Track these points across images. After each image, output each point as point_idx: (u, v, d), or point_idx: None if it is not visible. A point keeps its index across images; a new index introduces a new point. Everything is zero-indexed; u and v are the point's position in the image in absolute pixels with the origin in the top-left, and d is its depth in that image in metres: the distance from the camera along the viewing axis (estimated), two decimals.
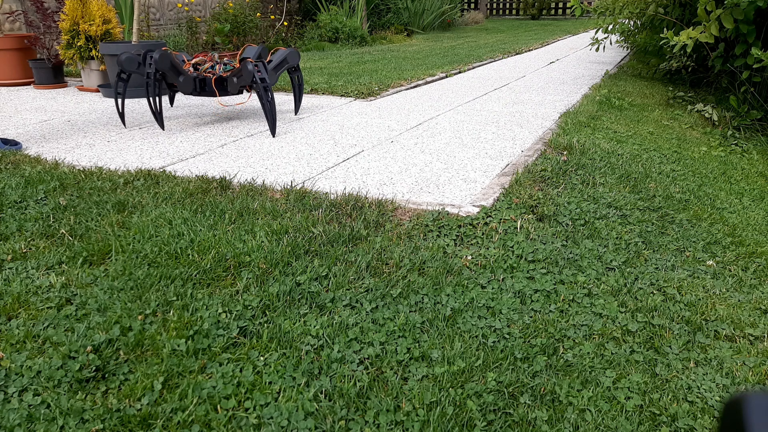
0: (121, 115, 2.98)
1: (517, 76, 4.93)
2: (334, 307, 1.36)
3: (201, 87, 3.03)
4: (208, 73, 3.06)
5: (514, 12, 16.07)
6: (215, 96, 3.06)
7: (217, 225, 1.71)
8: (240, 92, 3.05)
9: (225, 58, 3.21)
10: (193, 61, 3.13)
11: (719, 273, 1.63)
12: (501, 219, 1.81)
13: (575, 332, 1.31)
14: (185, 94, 3.06)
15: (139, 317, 1.28)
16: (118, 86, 2.93)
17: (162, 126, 2.93)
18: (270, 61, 3.08)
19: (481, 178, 2.20)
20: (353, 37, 7.65)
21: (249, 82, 2.84)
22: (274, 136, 2.84)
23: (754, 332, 1.35)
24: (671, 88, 4.53)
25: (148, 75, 2.86)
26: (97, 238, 1.64)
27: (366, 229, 1.71)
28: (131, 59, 2.85)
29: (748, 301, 1.48)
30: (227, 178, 2.12)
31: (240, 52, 3.31)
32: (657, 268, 1.62)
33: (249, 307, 1.34)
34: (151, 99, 2.90)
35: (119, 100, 2.96)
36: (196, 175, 2.17)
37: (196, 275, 1.45)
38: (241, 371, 1.14)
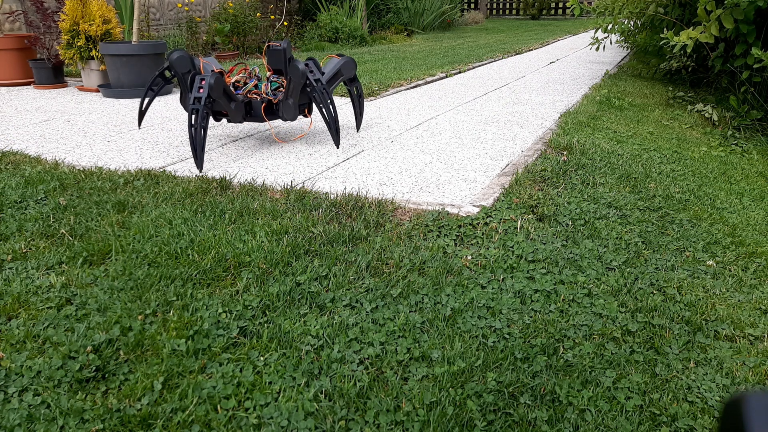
0: (142, 114, 2.60)
1: (517, 76, 4.93)
2: (334, 307, 1.36)
3: (247, 111, 2.50)
4: (253, 94, 2.52)
5: (514, 12, 16.07)
6: (263, 122, 2.53)
7: (217, 225, 1.71)
8: (295, 116, 2.49)
9: (270, 74, 2.62)
10: (233, 79, 2.57)
11: (719, 273, 1.63)
12: (501, 219, 1.81)
13: (575, 332, 1.31)
14: (234, 122, 2.51)
15: (139, 317, 1.28)
16: (154, 83, 2.48)
17: (201, 167, 2.25)
18: (322, 74, 2.53)
19: (481, 178, 2.20)
20: (353, 37, 7.65)
21: (306, 98, 2.37)
22: (338, 147, 2.50)
23: (754, 332, 1.35)
24: (671, 88, 4.53)
25: (196, 103, 2.21)
26: (97, 238, 1.64)
27: (366, 229, 1.71)
28: (184, 59, 2.33)
29: (748, 301, 1.48)
30: (227, 178, 2.12)
31: (264, 54, 2.76)
32: (657, 268, 1.62)
33: (249, 307, 1.34)
34: (195, 133, 2.21)
35: (147, 99, 2.53)
36: (196, 175, 2.17)
37: (196, 275, 1.45)
38: (241, 371, 1.14)
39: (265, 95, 2.51)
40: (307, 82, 2.37)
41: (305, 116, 2.58)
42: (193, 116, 2.20)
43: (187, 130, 2.22)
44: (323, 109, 2.40)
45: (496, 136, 2.86)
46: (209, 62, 2.57)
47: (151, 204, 1.87)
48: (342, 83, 2.87)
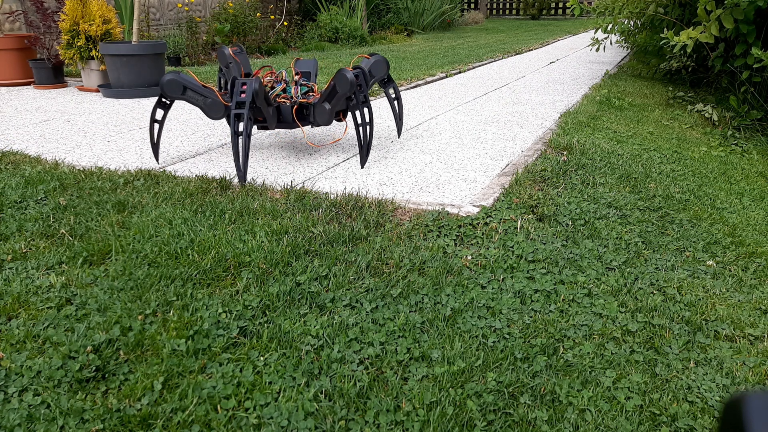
0: (155, 147, 2.32)
1: (517, 76, 4.93)
2: (334, 307, 1.36)
3: (277, 117, 2.35)
4: (282, 98, 2.39)
5: (514, 12, 16.07)
6: (293, 128, 2.35)
7: (217, 225, 1.71)
8: (330, 122, 2.28)
9: (298, 77, 2.50)
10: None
11: (719, 273, 1.63)
12: (501, 219, 1.81)
13: (575, 332, 1.31)
14: (270, 129, 2.37)
15: (139, 317, 1.28)
16: (155, 113, 2.25)
17: (244, 179, 2.07)
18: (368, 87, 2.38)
19: (481, 178, 2.20)
20: (353, 37, 7.65)
21: (344, 105, 2.17)
22: (363, 168, 2.29)
23: (754, 332, 1.35)
24: (671, 88, 4.53)
25: (239, 108, 2.01)
26: (97, 238, 1.64)
27: (366, 229, 1.71)
28: (174, 83, 2.12)
29: (748, 301, 1.48)
30: (227, 178, 2.12)
31: (293, 65, 2.64)
32: (657, 268, 1.62)
33: (249, 307, 1.34)
34: (241, 142, 2.03)
35: (155, 131, 2.29)
36: (196, 175, 2.16)
37: (196, 275, 1.45)
38: (241, 371, 1.14)
39: (295, 99, 2.36)
40: (353, 96, 2.14)
41: (339, 121, 2.40)
42: (237, 123, 2.02)
43: (231, 140, 2.02)
44: (360, 128, 2.19)
45: (496, 136, 2.86)
46: (240, 62, 2.45)
47: (151, 204, 1.87)
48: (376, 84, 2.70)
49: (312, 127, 2.40)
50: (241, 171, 2.04)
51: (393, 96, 2.59)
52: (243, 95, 2.07)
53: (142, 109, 3.57)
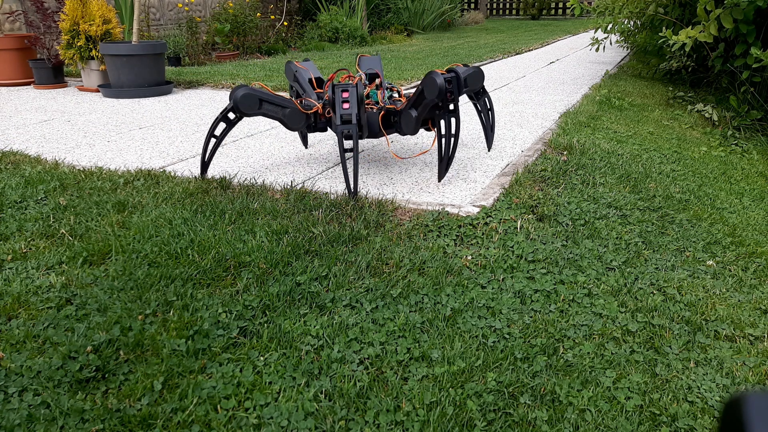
0: (206, 164, 2.11)
1: (517, 76, 4.93)
2: (334, 307, 1.36)
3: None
4: (367, 104, 2.18)
5: (514, 12, 16.07)
6: (378, 136, 2.14)
7: (217, 225, 1.71)
8: (416, 131, 2.06)
9: (378, 80, 2.29)
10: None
11: (719, 273, 1.63)
12: (501, 219, 1.81)
13: (575, 332, 1.31)
14: (362, 138, 2.16)
15: (139, 317, 1.28)
16: (215, 128, 2.03)
17: (355, 193, 1.92)
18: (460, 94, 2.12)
19: (481, 178, 2.20)
20: (353, 37, 7.66)
21: (432, 112, 1.94)
22: (440, 181, 2.11)
23: (754, 332, 1.35)
24: (671, 88, 4.53)
25: (346, 122, 1.86)
26: (97, 238, 1.64)
27: (366, 229, 1.71)
28: (251, 98, 1.91)
29: (748, 301, 1.48)
30: (227, 178, 2.12)
31: (357, 64, 2.44)
32: (657, 268, 1.62)
33: (249, 307, 1.34)
34: (353, 168, 1.86)
35: (210, 147, 2.08)
36: (196, 175, 2.16)
37: (196, 275, 1.45)
38: (241, 371, 1.14)
39: (381, 104, 2.15)
40: (441, 102, 1.91)
41: (427, 130, 2.15)
42: (345, 141, 1.82)
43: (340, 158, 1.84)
44: (444, 138, 1.99)
45: (496, 135, 2.85)
46: (307, 68, 2.27)
47: (151, 204, 1.87)
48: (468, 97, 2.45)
49: (401, 135, 2.22)
50: (352, 189, 1.90)
51: (488, 107, 2.41)
52: (346, 106, 1.86)
53: (142, 109, 3.57)
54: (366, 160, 2.45)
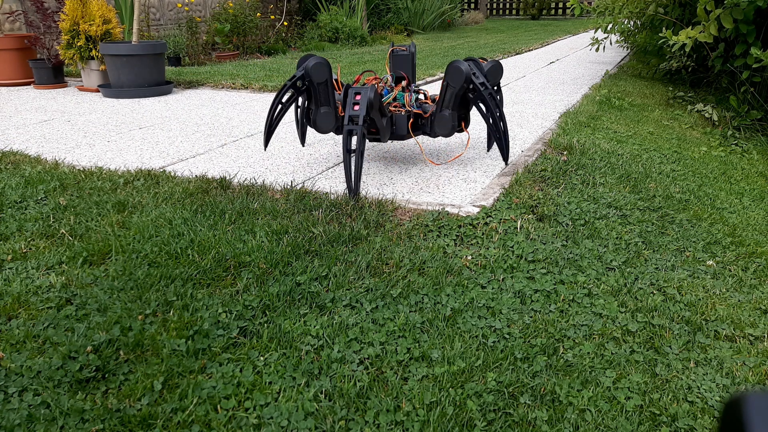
0: (269, 134, 2.13)
1: (517, 76, 4.93)
2: (334, 307, 1.36)
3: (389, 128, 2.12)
4: (394, 106, 2.17)
5: (514, 12, 16.07)
6: (406, 139, 2.13)
7: (217, 225, 1.71)
8: (452, 131, 2.06)
9: (404, 82, 2.25)
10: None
11: (719, 273, 1.63)
12: (501, 219, 1.81)
13: (575, 332, 1.31)
14: (383, 141, 2.16)
15: (139, 317, 1.28)
16: (282, 95, 2.03)
17: (355, 194, 1.91)
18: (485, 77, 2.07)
19: (481, 177, 2.20)
20: (353, 37, 7.66)
21: (465, 106, 1.92)
22: (507, 164, 2.11)
23: (754, 332, 1.35)
24: (671, 88, 4.53)
25: (352, 122, 1.85)
26: (97, 238, 1.64)
27: (366, 229, 1.71)
28: (324, 67, 1.91)
29: (748, 301, 1.48)
30: (227, 178, 2.12)
31: (387, 60, 2.36)
32: (657, 268, 1.62)
33: (249, 307, 1.34)
34: (353, 160, 1.86)
35: (272, 112, 2.07)
36: (196, 175, 2.17)
37: (196, 275, 1.45)
38: (241, 371, 1.14)
39: (409, 108, 2.13)
40: (471, 86, 1.92)
41: (460, 131, 2.11)
42: (350, 139, 1.82)
43: (342, 157, 1.86)
44: (491, 119, 1.96)
45: None
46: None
47: (151, 204, 1.87)
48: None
49: (433, 137, 2.18)
50: (354, 190, 1.88)
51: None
52: (356, 107, 1.85)
53: (142, 109, 3.57)
54: (366, 159, 2.45)
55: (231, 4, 6.56)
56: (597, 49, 5.57)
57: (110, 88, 3.92)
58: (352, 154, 1.85)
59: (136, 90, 3.91)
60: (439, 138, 2.61)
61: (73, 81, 4.65)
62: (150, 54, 3.91)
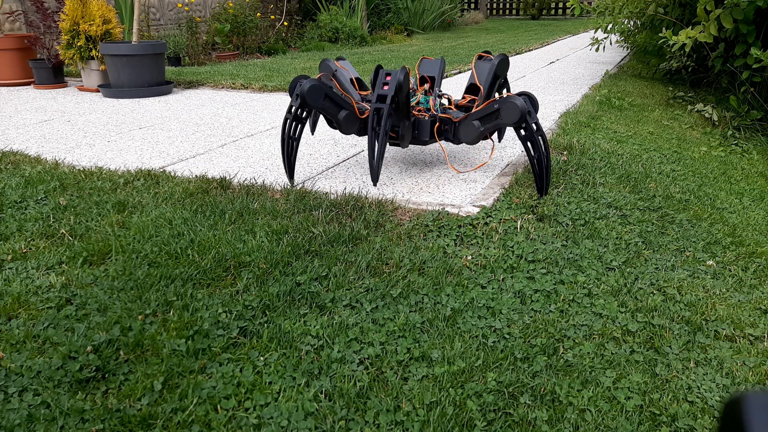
0: (291, 166, 2.05)
1: (517, 76, 4.93)
2: (334, 307, 1.36)
3: (411, 133, 2.07)
4: (418, 110, 2.11)
5: (514, 12, 16.07)
6: (428, 144, 2.07)
7: (217, 225, 1.71)
8: (477, 141, 2.01)
9: (428, 85, 2.19)
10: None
11: (719, 273, 1.63)
12: (501, 219, 1.81)
13: (575, 332, 1.31)
14: (402, 147, 2.11)
15: (139, 317, 1.28)
16: (288, 129, 1.97)
17: (377, 180, 1.90)
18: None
19: (481, 178, 2.20)
20: (353, 37, 7.66)
21: (511, 124, 1.84)
22: (542, 196, 1.97)
23: (754, 332, 1.35)
24: (671, 88, 4.53)
25: (381, 100, 1.80)
26: (97, 238, 1.64)
27: (366, 229, 1.71)
28: (317, 90, 1.85)
29: (748, 301, 1.48)
30: (227, 178, 2.12)
31: (417, 66, 2.32)
32: (657, 268, 1.62)
33: (249, 307, 1.34)
34: (377, 150, 1.83)
35: (287, 149, 2.01)
36: (196, 175, 2.17)
37: (196, 275, 1.45)
38: (241, 371, 1.14)
39: (434, 112, 2.08)
40: (524, 125, 1.85)
41: (485, 138, 2.06)
42: (375, 117, 1.78)
43: (367, 142, 1.79)
44: (536, 160, 1.90)
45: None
46: (346, 68, 2.18)
47: (151, 204, 1.87)
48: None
49: (455, 144, 2.11)
50: (375, 171, 1.85)
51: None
52: (385, 87, 1.83)
53: (142, 109, 3.57)
54: (366, 159, 2.45)
55: (231, 4, 6.56)
56: (597, 49, 5.57)
57: (110, 88, 3.92)
58: (378, 135, 1.81)
59: (136, 90, 3.91)
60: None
61: (73, 81, 4.65)
62: (150, 54, 3.91)
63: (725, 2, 3.24)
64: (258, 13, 6.85)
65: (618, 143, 2.74)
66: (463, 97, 2.22)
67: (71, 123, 3.13)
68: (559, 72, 5.18)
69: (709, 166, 2.64)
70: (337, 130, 2.05)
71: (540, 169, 1.92)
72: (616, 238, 1.76)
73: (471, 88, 2.25)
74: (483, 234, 1.73)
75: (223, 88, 4.32)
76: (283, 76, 4.66)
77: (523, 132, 1.89)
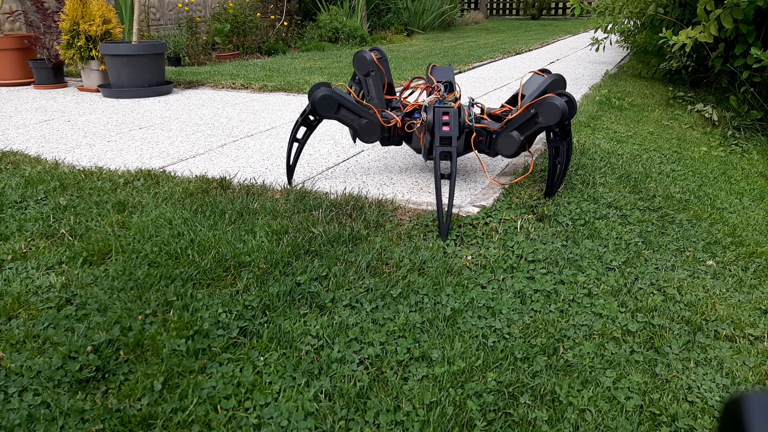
0: (291, 169, 2.04)
1: (517, 76, 4.93)
2: (334, 307, 1.36)
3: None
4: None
5: (514, 12, 16.07)
6: (461, 156, 1.96)
7: (217, 225, 1.71)
8: (517, 154, 1.91)
9: (450, 91, 2.09)
10: (412, 98, 1.86)
11: (719, 273, 1.63)
12: (501, 219, 1.81)
13: (575, 332, 1.31)
14: (426, 159, 2.04)
15: (139, 317, 1.28)
16: (297, 132, 1.96)
17: (446, 235, 1.69)
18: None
19: (481, 177, 2.20)
20: (353, 37, 7.65)
21: (551, 125, 1.75)
22: (551, 197, 1.92)
23: (754, 332, 1.35)
24: (671, 88, 4.53)
25: (446, 143, 1.75)
26: (97, 238, 1.64)
27: (366, 229, 1.71)
28: (329, 100, 1.83)
29: (748, 301, 1.48)
30: (227, 178, 2.12)
31: (428, 72, 2.19)
32: (657, 268, 1.62)
33: (249, 307, 1.34)
34: (448, 194, 1.74)
35: (294, 152, 2.00)
36: (196, 175, 2.16)
37: (196, 275, 1.45)
38: (241, 371, 1.14)
39: (468, 122, 1.95)
40: (557, 129, 1.76)
41: (523, 150, 1.93)
42: (443, 163, 1.66)
43: (434, 186, 1.68)
44: (559, 163, 1.84)
45: None
46: (383, 66, 2.07)
47: (151, 204, 1.87)
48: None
49: (491, 157, 1.98)
50: (446, 224, 1.69)
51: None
52: (446, 128, 1.73)
53: (142, 109, 3.57)
54: (366, 159, 2.45)
55: (231, 4, 6.56)
56: (597, 49, 5.57)
57: (110, 88, 3.92)
58: (445, 179, 1.70)
59: (136, 90, 3.91)
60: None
61: (73, 81, 4.65)
62: (150, 54, 3.91)
63: (725, 2, 3.24)
64: (258, 13, 6.85)
65: (618, 143, 2.74)
66: (502, 106, 2.14)
67: (71, 123, 3.13)
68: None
69: (709, 166, 2.64)
70: (362, 141, 1.99)
71: (556, 172, 1.87)
72: (616, 238, 1.76)
73: (514, 99, 2.14)
74: (483, 234, 1.73)
75: (223, 88, 4.32)
76: (283, 76, 4.66)
77: (552, 135, 1.81)
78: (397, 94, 2.10)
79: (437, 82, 2.13)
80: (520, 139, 1.83)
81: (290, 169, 2.05)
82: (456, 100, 2.04)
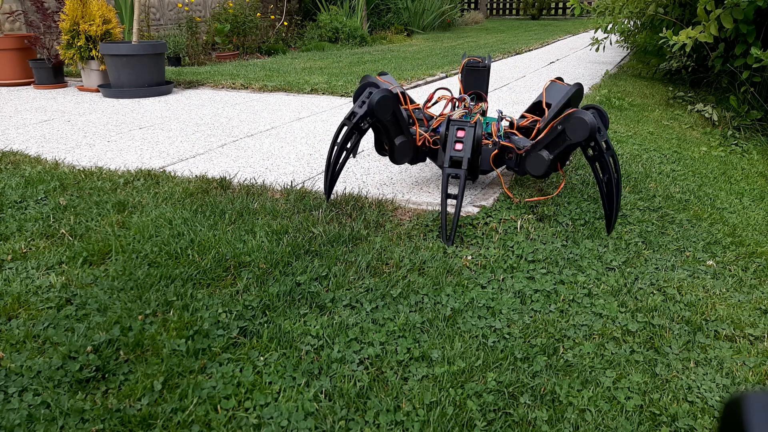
0: (332, 182, 1.82)
1: (517, 76, 4.93)
2: (334, 307, 1.36)
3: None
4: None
5: (514, 12, 16.07)
6: (486, 173, 1.86)
7: (217, 225, 1.71)
8: (548, 174, 1.77)
9: (475, 102, 1.97)
10: (436, 110, 1.74)
11: (719, 273, 1.63)
12: (501, 219, 1.81)
13: (575, 332, 1.31)
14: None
15: (139, 317, 1.28)
16: (339, 136, 1.75)
17: (452, 241, 1.65)
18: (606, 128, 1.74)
19: (480, 177, 2.20)
20: (353, 37, 7.66)
21: (579, 141, 1.61)
22: (610, 233, 1.76)
23: (754, 332, 1.35)
24: (671, 88, 4.53)
25: (456, 165, 1.66)
26: (97, 238, 1.64)
27: (366, 229, 1.71)
28: (388, 102, 1.65)
29: (748, 301, 1.48)
30: (227, 178, 2.12)
31: (460, 72, 2.07)
32: (657, 268, 1.62)
33: (249, 307, 1.34)
34: (455, 215, 1.64)
35: (334, 159, 1.78)
36: (196, 175, 2.16)
37: (196, 275, 1.45)
38: (241, 371, 1.14)
39: (495, 139, 1.85)
40: (593, 144, 1.64)
41: (555, 170, 1.82)
42: (449, 180, 1.57)
43: (440, 207, 1.61)
44: (605, 185, 1.68)
45: None
46: (390, 83, 1.95)
47: (151, 204, 1.87)
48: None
49: (519, 175, 1.83)
50: (450, 237, 1.64)
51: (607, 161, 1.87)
52: (459, 147, 1.63)
53: (142, 109, 3.57)
54: (366, 159, 2.45)
55: (231, 4, 6.56)
56: (597, 49, 5.57)
57: (110, 88, 3.92)
58: (452, 198, 1.64)
59: (136, 90, 3.91)
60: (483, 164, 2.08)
61: (73, 81, 4.65)
62: (150, 54, 3.91)
63: (725, 2, 3.24)
64: (258, 13, 6.85)
65: (618, 143, 2.74)
66: (524, 117, 2.02)
67: (71, 123, 3.13)
68: (559, 72, 5.18)
69: (709, 166, 2.64)
70: (386, 157, 1.78)
71: (610, 194, 1.68)
72: (616, 238, 1.76)
73: (535, 108, 2.05)
74: (483, 234, 1.73)
75: (223, 88, 4.32)
76: (283, 76, 4.66)
77: (590, 151, 1.67)
78: (420, 105, 1.99)
79: (467, 92, 1.96)
80: (549, 159, 1.70)
81: (332, 181, 1.80)
82: (483, 112, 1.90)
